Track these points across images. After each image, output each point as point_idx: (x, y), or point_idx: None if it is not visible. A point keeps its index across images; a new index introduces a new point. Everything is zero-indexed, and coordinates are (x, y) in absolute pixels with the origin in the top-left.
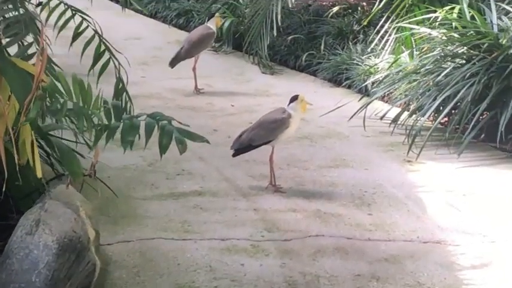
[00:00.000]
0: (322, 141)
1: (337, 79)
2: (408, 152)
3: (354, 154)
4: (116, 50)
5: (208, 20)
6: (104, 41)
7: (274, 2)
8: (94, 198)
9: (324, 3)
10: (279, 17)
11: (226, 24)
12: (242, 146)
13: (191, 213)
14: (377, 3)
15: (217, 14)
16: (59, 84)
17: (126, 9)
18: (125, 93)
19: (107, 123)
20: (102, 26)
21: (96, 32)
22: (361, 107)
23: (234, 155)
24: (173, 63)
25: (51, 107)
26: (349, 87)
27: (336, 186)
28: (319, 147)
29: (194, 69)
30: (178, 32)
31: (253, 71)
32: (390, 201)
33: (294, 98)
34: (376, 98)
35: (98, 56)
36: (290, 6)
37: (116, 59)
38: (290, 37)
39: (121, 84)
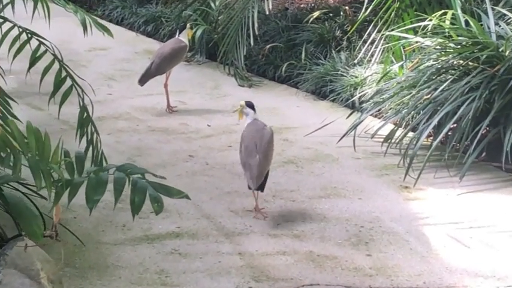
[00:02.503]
0: (310, 166)
1: (321, 91)
2: (405, 176)
3: (345, 181)
4: (70, 70)
5: (179, 32)
6: (65, 66)
7: (249, 7)
8: (59, 246)
9: (302, 6)
10: (256, 25)
11: (199, 32)
12: (263, 178)
13: (168, 260)
14: (363, 10)
15: (188, 25)
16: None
17: (90, 16)
18: (91, 124)
19: (68, 178)
20: (63, 36)
21: (55, 57)
22: (350, 128)
23: (262, 190)
24: (143, 80)
25: (3, 161)
26: (334, 100)
27: (329, 221)
28: (307, 174)
29: (166, 86)
30: (147, 41)
31: (229, 84)
32: (390, 237)
33: (252, 104)
34: (366, 117)
35: (58, 83)
36: (267, 12)
37: (79, 86)
38: (268, 46)
39: (86, 114)
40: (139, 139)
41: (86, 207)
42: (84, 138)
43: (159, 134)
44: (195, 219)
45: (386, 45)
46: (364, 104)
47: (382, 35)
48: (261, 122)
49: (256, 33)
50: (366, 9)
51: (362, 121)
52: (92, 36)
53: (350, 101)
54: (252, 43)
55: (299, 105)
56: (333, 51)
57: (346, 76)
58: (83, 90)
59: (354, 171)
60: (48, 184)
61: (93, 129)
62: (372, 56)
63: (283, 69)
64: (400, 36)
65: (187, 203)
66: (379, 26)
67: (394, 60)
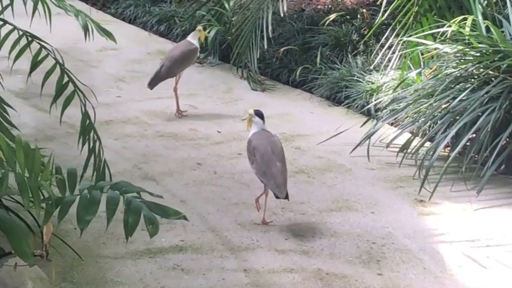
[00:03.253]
0: (321, 177)
1: (335, 97)
2: (420, 189)
3: (357, 193)
4: (74, 73)
5: (188, 34)
6: (67, 71)
7: (264, 8)
8: (55, 261)
9: (319, 7)
10: (270, 27)
11: (212, 33)
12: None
13: (170, 276)
14: (380, 13)
15: (199, 27)
16: None
17: (103, 14)
18: (93, 132)
19: (59, 195)
20: (76, 35)
21: (57, 61)
22: (364, 138)
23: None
24: (152, 83)
25: None
26: (349, 106)
27: (339, 237)
28: (318, 185)
29: (175, 89)
30: (160, 40)
31: (242, 88)
32: (402, 255)
33: (262, 113)
34: (381, 126)
35: (60, 89)
36: (282, 14)
37: (81, 91)
38: (282, 49)
39: (88, 121)
40: (147, 145)
41: None
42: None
43: (168, 139)
44: (200, 232)
45: (404, 51)
46: (379, 112)
47: (400, 40)
48: (268, 131)
49: (270, 35)
50: (384, 12)
51: (377, 130)
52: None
53: (365, 108)
54: (265, 46)
55: (313, 111)
56: (349, 56)
57: (362, 82)
58: (85, 96)
59: (368, 182)
60: (37, 203)
61: (95, 137)
62: (389, 61)
63: (298, 73)
64: (418, 42)
65: (193, 214)
66: (396, 30)
67: (411, 67)
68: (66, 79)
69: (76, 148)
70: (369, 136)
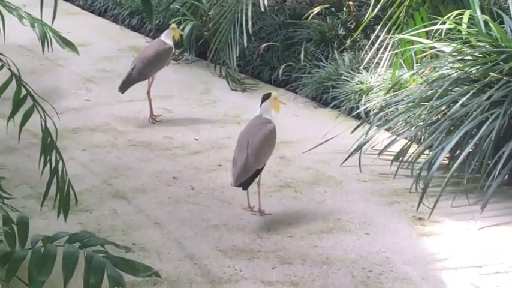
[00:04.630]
0: (310, 191)
1: (322, 98)
2: (418, 205)
3: (350, 210)
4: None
5: (162, 28)
6: (25, 84)
7: (243, 1)
8: None
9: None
10: (250, 22)
11: (188, 28)
12: (247, 176)
13: None
14: (370, 9)
15: (173, 25)
16: None
17: (70, 6)
18: (55, 151)
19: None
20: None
21: (13, 73)
22: (356, 148)
23: (244, 189)
24: (124, 87)
25: None
26: (337, 108)
27: (332, 264)
28: (307, 201)
29: (149, 93)
30: (131, 35)
31: (220, 88)
32: (403, 285)
33: (266, 97)
34: (373, 134)
35: (17, 103)
36: (262, 8)
37: (40, 106)
38: (263, 45)
39: (49, 139)
40: (118, 156)
41: None
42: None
43: (140, 150)
44: (177, 260)
45: (396, 50)
46: (370, 115)
47: (391, 37)
48: (266, 117)
49: (250, 31)
50: (374, 7)
51: (369, 140)
52: (73, 28)
53: (355, 112)
54: (245, 42)
55: (297, 113)
56: (335, 52)
57: (350, 82)
58: (44, 111)
59: (360, 197)
60: None
61: (58, 157)
62: (380, 60)
63: (280, 71)
64: (411, 40)
65: (169, 240)
66: (387, 26)
67: (404, 66)
68: (24, 92)
69: (40, 161)
70: (359, 147)
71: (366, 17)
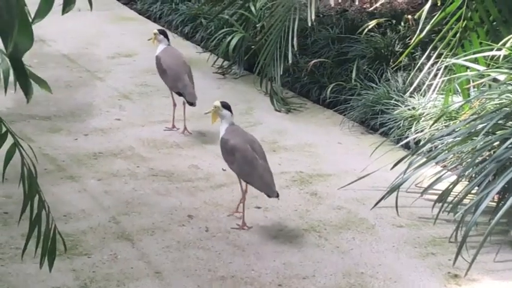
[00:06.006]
0: (336, 237)
1: (370, 123)
2: (455, 260)
3: (377, 263)
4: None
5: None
6: (4, 123)
7: (291, 15)
8: None
9: (365, 7)
10: (295, 39)
11: (235, 41)
12: None
13: None
14: (419, 27)
15: (155, 30)
16: None
17: (127, 10)
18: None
19: None
20: (89, 36)
21: None
22: (394, 186)
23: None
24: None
25: None
26: (385, 134)
27: None
28: (330, 250)
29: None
30: (182, 44)
31: (264, 108)
32: None
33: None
34: (416, 171)
35: None
36: (309, 23)
37: (21, 146)
38: (312, 61)
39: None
40: (134, 188)
41: None
42: None
43: (161, 181)
44: None
45: (448, 74)
46: (419, 146)
47: (443, 61)
48: (238, 126)
49: (296, 47)
50: (422, 29)
51: (407, 179)
52: (122, 35)
53: (404, 141)
54: (290, 60)
55: (341, 140)
56: (389, 72)
57: (400, 106)
58: (22, 154)
59: (392, 246)
60: None
61: (46, 209)
62: (432, 83)
63: (329, 91)
64: (465, 65)
65: None
66: (439, 48)
67: (458, 90)
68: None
69: (50, 193)
70: (399, 184)
71: (417, 35)
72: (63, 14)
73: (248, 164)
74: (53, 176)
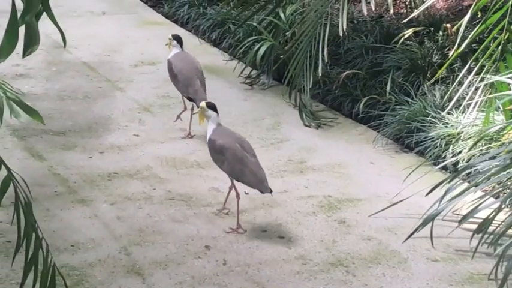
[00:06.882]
0: (364, 273)
1: (404, 141)
2: None
3: None
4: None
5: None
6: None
7: (321, 23)
8: None
9: (402, 12)
10: (325, 49)
11: (263, 49)
12: None
13: None
14: (456, 44)
15: (170, 36)
16: None
17: (154, 14)
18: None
19: None
20: (112, 43)
21: None
22: (431, 216)
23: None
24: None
25: None
26: (421, 153)
27: None
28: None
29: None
30: (210, 51)
31: (292, 122)
32: None
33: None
34: (454, 199)
35: None
36: (340, 32)
37: (15, 179)
38: (344, 73)
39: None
40: (149, 214)
41: None
42: None
43: (178, 206)
44: None
45: (490, 90)
46: (458, 171)
47: (483, 77)
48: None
49: (326, 59)
50: (461, 42)
51: (445, 207)
52: (147, 41)
53: (441, 164)
54: (320, 71)
55: (374, 160)
56: (426, 85)
57: (437, 123)
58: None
59: (426, 285)
60: None
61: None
62: (471, 100)
63: (361, 105)
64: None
65: None
66: (481, 60)
67: (500, 108)
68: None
69: (58, 218)
70: (431, 218)
71: (455, 49)
72: (23, 57)
73: (239, 161)
74: (63, 199)
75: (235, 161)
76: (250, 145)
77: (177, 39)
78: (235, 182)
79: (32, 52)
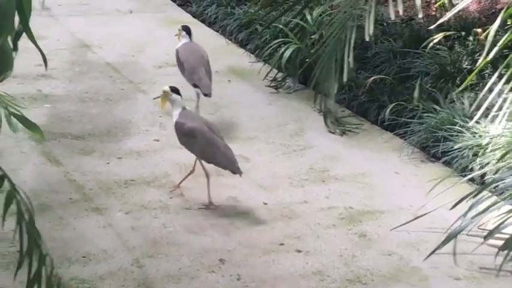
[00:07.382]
0: None
1: (431, 150)
2: None
3: None
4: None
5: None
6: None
7: (348, 27)
8: None
9: (433, 14)
10: (351, 54)
11: (289, 52)
12: None
13: None
14: (485, 52)
15: (179, 27)
16: None
17: (182, 13)
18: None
19: None
20: (137, 43)
21: None
22: (455, 232)
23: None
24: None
25: None
26: (447, 163)
27: None
28: None
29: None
30: (236, 52)
31: (316, 128)
32: None
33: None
34: (480, 214)
35: None
36: (367, 37)
37: (18, 193)
38: (371, 78)
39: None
40: (164, 224)
41: None
42: None
43: (194, 215)
44: None
45: None
46: (484, 184)
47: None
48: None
49: (351, 64)
50: (489, 51)
51: (469, 223)
52: (173, 41)
53: (468, 177)
54: (345, 77)
55: (399, 170)
56: (454, 92)
57: (465, 133)
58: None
59: None
60: None
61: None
62: (500, 109)
63: (388, 112)
64: None
65: None
66: (510, 70)
67: None
68: None
69: (71, 227)
70: (455, 234)
71: (483, 57)
72: None
73: (210, 144)
74: (77, 207)
75: (206, 143)
76: (217, 127)
77: (186, 29)
78: (203, 162)
79: (4, 79)
